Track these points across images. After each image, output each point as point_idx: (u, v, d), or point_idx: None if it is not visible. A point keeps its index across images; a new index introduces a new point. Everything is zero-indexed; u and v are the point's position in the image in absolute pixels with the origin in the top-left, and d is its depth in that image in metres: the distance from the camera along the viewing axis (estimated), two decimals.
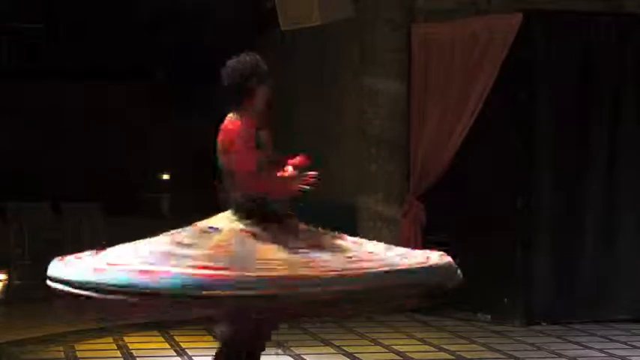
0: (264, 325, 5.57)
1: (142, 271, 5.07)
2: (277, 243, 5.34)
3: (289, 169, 5.63)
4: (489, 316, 9.65)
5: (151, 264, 5.14)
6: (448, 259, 5.57)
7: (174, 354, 8.01)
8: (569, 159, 9.63)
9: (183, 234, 5.44)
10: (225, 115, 5.59)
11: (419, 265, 5.39)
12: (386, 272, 5.23)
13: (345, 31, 10.86)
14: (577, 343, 8.66)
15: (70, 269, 5.30)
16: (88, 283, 5.14)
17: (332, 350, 8.22)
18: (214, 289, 4.95)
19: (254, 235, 5.38)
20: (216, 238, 5.35)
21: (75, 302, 5.30)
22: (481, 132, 9.63)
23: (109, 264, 5.21)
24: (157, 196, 15.26)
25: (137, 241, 5.47)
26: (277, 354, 7.64)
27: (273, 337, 5.72)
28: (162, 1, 15.29)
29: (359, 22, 10.51)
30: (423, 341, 8.68)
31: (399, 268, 5.31)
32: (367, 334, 8.90)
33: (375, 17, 10.37)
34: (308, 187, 5.61)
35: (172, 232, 5.50)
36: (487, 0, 10.29)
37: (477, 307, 9.73)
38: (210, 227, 5.47)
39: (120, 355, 7.97)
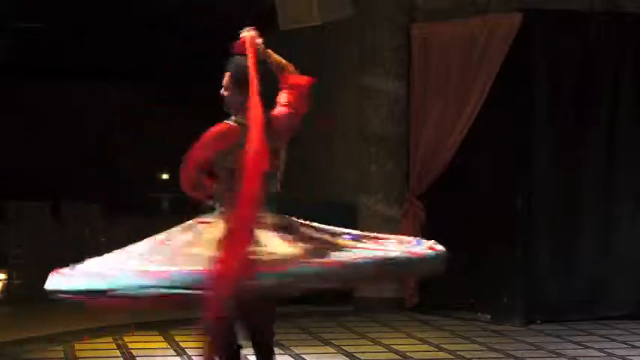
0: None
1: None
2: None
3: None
4: (489, 316, 9.66)
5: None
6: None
7: (174, 354, 8.00)
8: (568, 159, 9.64)
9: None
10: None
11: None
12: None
13: (344, 30, 10.85)
14: (577, 342, 8.66)
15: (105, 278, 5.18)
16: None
17: (332, 350, 8.22)
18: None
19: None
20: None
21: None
22: (481, 132, 9.63)
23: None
24: (157, 196, 15.22)
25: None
26: None
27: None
28: (162, 1, 15.28)
29: (359, 21, 10.51)
30: (423, 341, 8.68)
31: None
32: (367, 334, 8.91)
33: (375, 17, 10.37)
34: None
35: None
36: (487, 0, 10.29)
37: (477, 306, 9.74)
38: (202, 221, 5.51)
39: (120, 355, 7.97)
